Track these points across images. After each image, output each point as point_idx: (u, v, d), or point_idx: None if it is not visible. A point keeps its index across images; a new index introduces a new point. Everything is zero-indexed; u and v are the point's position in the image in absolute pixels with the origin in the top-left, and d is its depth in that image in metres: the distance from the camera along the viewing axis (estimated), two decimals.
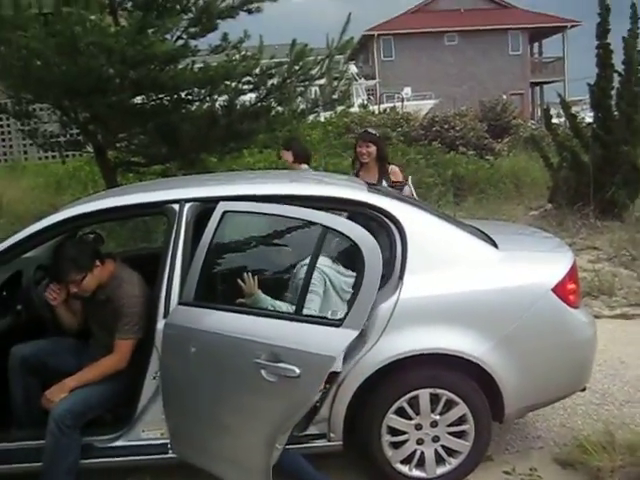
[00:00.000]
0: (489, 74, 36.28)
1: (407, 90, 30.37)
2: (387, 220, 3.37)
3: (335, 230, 2.98)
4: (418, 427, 3.34)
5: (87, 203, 3.67)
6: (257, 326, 3.00)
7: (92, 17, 6.52)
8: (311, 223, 3.10)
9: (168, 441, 3.28)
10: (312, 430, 3.31)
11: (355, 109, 18.55)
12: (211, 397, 3.06)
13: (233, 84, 8.21)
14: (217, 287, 3.39)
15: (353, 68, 22.45)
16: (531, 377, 3.38)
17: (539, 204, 10.85)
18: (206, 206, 3.36)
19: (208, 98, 8.30)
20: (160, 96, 8.22)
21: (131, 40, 6.63)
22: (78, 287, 3.35)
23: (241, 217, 3.26)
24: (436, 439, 3.36)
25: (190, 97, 8.37)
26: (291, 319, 2.98)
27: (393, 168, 5.41)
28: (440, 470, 3.40)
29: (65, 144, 9.26)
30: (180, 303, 3.22)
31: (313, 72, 8.61)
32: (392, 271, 3.28)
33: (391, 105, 22.16)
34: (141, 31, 6.78)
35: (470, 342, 3.27)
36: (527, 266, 3.55)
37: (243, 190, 3.46)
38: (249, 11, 7.96)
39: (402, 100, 26.89)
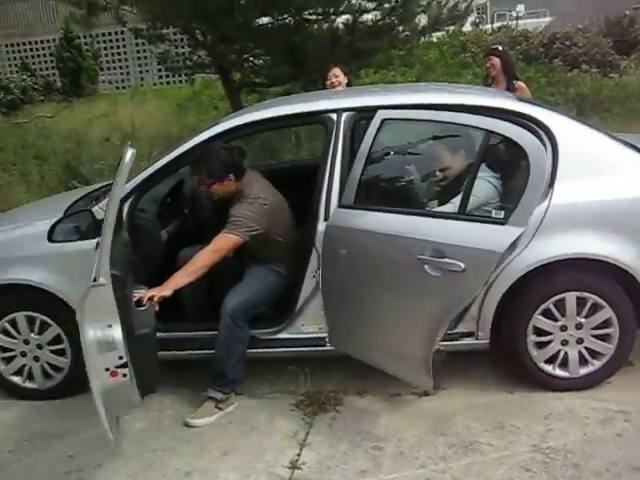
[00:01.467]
0: None
1: (520, 7, 28.89)
2: (538, 128, 3.40)
3: (499, 134, 3.07)
4: (563, 328, 3.45)
5: (252, 112, 3.92)
6: (420, 225, 3.13)
7: None
8: (473, 128, 3.19)
9: (326, 335, 3.55)
10: (461, 328, 3.50)
11: (467, 28, 17.95)
12: (373, 293, 3.25)
13: (355, 1, 8.26)
14: (377, 190, 3.55)
15: None
16: None
17: None
18: (363, 115, 3.52)
19: (332, 16, 8.39)
20: (284, 16, 8.38)
21: None
22: (207, 188, 3.67)
23: (399, 125, 3.40)
24: (580, 341, 3.46)
25: (313, 17, 8.49)
26: (455, 218, 3.10)
27: (520, 84, 5.73)
28: (583, 371, 3.51)
29: (192, 66, 9.63)
30: (340, 206, 3.42)
31: None
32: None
33: (503, 23, 21.26)
34: None
35: (618, 248, 3.32)
36: None
37: (400, 100, 3.60)
38: None
39: (516, 18, 25.68)
